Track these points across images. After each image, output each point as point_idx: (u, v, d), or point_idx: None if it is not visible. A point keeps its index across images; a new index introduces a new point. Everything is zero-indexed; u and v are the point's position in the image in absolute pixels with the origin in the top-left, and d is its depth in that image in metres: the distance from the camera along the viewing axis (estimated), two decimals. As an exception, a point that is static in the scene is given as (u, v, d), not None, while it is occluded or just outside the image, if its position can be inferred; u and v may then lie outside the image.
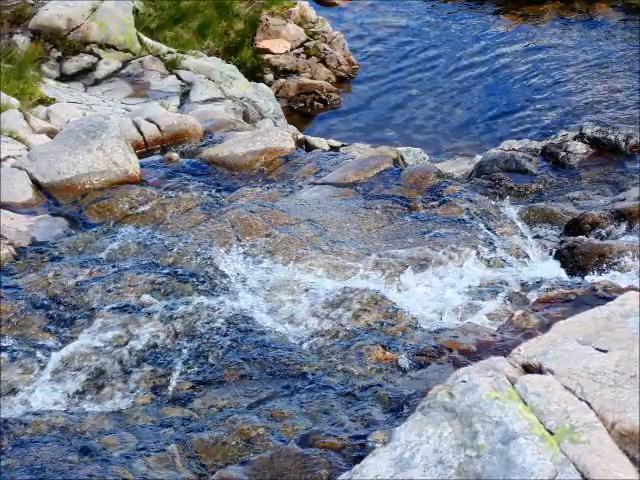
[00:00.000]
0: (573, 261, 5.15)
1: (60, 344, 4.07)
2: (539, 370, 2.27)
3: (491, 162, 7.66)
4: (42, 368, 3.89)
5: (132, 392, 3.77)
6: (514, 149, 8.33)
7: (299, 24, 14.39)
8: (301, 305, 4.40)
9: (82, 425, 3.45)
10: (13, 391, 3.76)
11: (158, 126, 6.86)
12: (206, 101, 10.83)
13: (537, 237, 5.70)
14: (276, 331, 4.15)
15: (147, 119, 6.96)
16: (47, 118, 8.87)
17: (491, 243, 5.17)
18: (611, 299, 2.64)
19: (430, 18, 15.94)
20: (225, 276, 4.66)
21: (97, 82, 11.08)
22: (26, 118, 8.33)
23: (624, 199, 6.25)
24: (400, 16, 16.05)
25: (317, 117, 13.11)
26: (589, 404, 2.11)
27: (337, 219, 5.43)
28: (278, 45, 13.81)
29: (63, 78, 10.95)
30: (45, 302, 4.43)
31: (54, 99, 9.56)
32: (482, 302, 4.51)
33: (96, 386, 3.82)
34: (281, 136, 6.69)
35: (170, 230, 5.25)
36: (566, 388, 2.16)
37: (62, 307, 4.41)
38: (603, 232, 5.72)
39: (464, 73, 14.07)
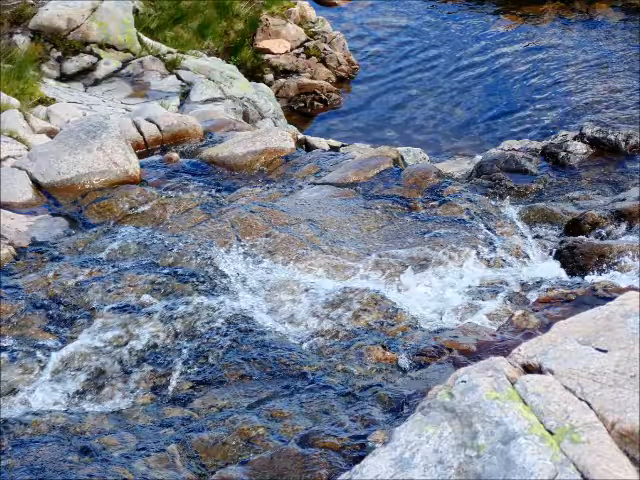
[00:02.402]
0: (573, 261, 5.15)
1: (60, 344, 4.06)
2: (539, 370, 2.27)
3: (491, 162, 7.66)
4: (42, 368, 3.89)
5: (132, 392, 3.77)
6: (514, 149, 8.33)
7: (299, 24, 14.39)
8: (301, 305, 4.40)
9: (82, 425, 3.45)
10: (13, 391, 3.76)
11: (158, 126, 6.86)
12: (206, 101, 10.82)
13: (537, 237, 5.70)
14: (276, 331, 4.14)
15: (147, 119, 6.96)
16: (47, 118, 8.86)
17: (491, 243, 5.17)
18: (611, 299, 2.64)
19: (430, 18, 15.93)
20: (225, 276, 4.66)
21: (97, 82, 11.07)
22: (26, 118, 8.33)
23: (624, 199, 6.25)
24: (400, 16, 16.05)
25: (317, 117, 13.10)
26: (589, 404, 2.10)
27: (337, 219, 5.43)
28: (278, 45, 13.81)
29: (63, 78, 10.95)
30: (45, 302, 4.43)
31: (54, 99, 9.55)
32: (482, 302, 4.51)
33: (96, 386, 3.82)
34: (281, 136, 6.68)
35: (170, 230, 5.25)
36: (566, 388, 2.16)
37: (62, 307, 4.40)
38: (603, 232, 5.72)
39: (464, 73, 14.07)
